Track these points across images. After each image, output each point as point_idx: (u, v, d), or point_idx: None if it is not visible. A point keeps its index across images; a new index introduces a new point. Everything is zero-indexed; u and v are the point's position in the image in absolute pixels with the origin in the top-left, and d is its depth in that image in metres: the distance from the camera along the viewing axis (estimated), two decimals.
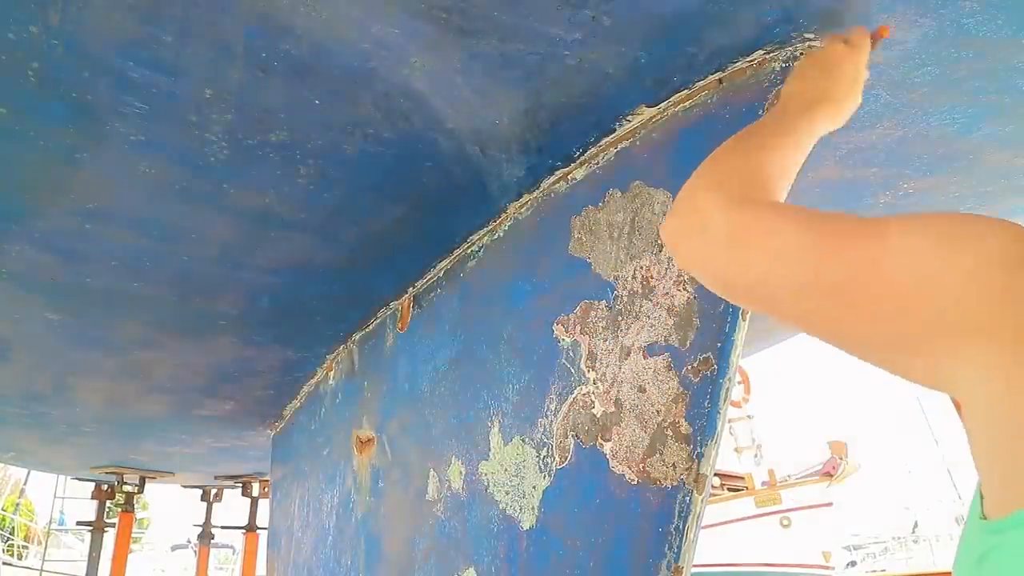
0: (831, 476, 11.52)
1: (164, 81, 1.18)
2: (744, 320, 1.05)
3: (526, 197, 1.56)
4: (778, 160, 0.81)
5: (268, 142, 1.34)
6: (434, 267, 1.93)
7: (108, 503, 6.07)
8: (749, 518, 11.93)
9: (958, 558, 0.46)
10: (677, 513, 1.06)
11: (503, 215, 1.64)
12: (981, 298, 0.46)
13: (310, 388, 3.05)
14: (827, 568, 11.49)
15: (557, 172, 1.46)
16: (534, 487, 1.38)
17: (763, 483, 12.52)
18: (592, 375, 1.28)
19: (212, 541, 7.12)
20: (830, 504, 11.58)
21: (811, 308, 0.59)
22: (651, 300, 1.18)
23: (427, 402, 1.88)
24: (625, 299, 1.23)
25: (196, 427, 3.72)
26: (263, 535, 5.43)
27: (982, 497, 0.46)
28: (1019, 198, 1.64)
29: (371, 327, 2.35)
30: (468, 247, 1.78)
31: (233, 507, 7.33)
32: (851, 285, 0.55)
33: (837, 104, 0.91)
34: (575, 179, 1.43)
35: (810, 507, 11.55)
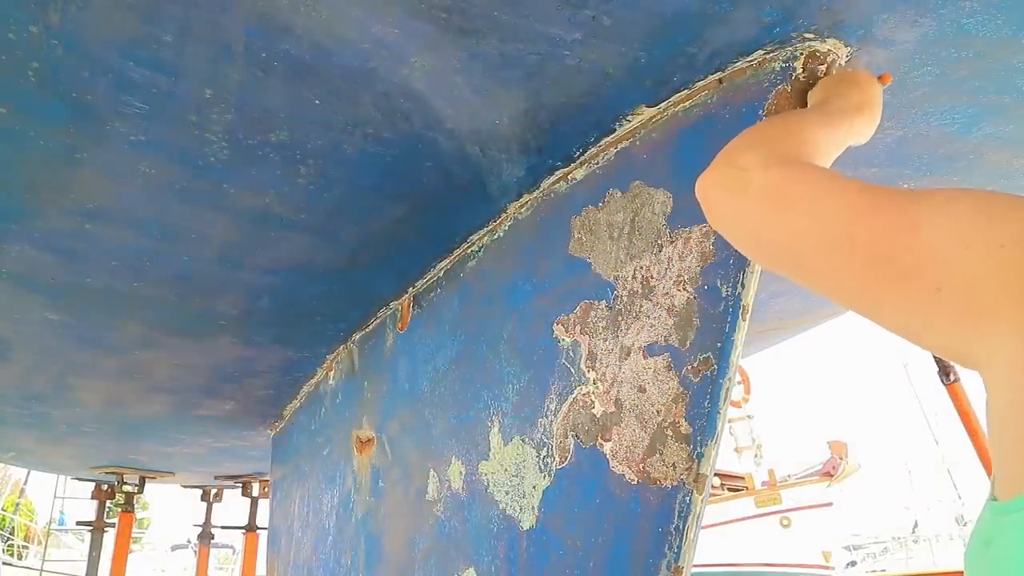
0: (831, 476, 11.52)
1: (164, 81, 1.18)
2: (744, 320, 1.05)
3: (526, 197, 1.56)
4: (818, 141, 0.82)
5: (268, 142, 1.34)
6: (434, 267, 1.93)
7: (108, 503, 6.08)
8: (749, 518, 11.93)
9: (970, 541, 0.46)
10: (677, 513, 1.06)
11: (503, 215, 1.64)
12: (1009, 277, 0.45)
13: (310, 388, 3.05)
14: (827, 568, 11.49)
15: (557, 172, 1.46)
16: (534, 487, 1.38)
17: (763, 483, 12.53)
18: (592, 375, 1.28)
19: (212, 541, 7.13)
20: (830, 504, 11.59)
21: (844, 268, 0.59)
22: (651, 300, 1.18)
23: (427, 402, 1.88)
24: (625, 299, 1.23)
25: (196, 427, 3.72)
26: (263, 535, 5.43)
27: (995, 479, 0.46)
28: None
29: (371, 327, 2.35)
30: (468, 247, 1.78)
31: (233, 507, 7.33)
32: (887, 247, 0.54)
33: (871, 117, 0.94)
34: (575, 179, 1.43)
35: (810, 507, 11.55)
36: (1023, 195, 0.51)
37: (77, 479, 6.64)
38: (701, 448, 1.05)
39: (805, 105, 1.05)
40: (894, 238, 0.54)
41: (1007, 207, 0.49)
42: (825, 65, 1.07)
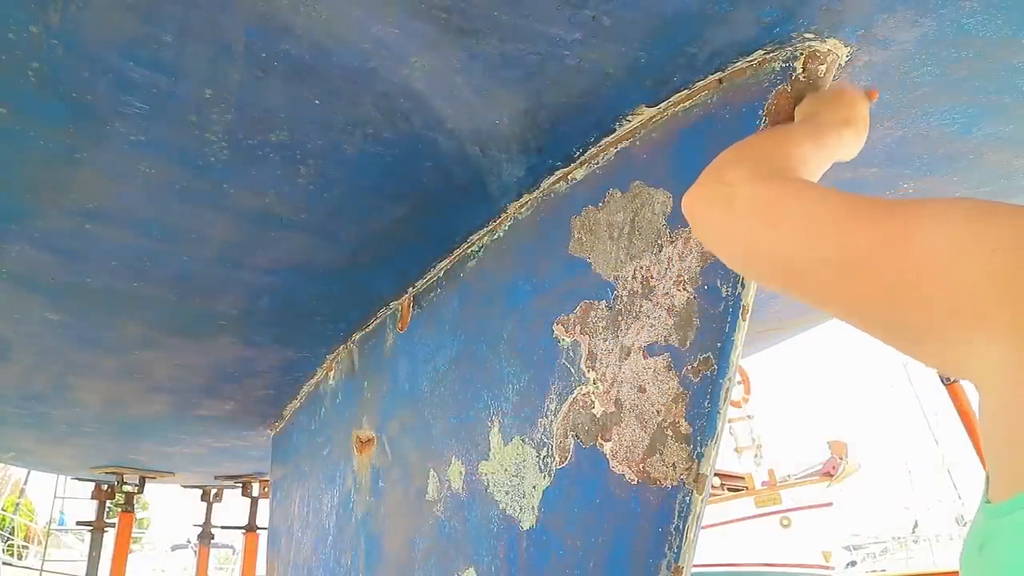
0: (831, 476, 11.52)
1: (164, 81, 1.18)
2: (744, 320, 1.05)
3: (526, 197, 1.56)
4: (805, 156, 0.82)
5: (268, 142, 1.34)
6: (434, 267, 1.93)
7: (108, 503, 6.08)
8: (749, 518, 11.93)
9: (965, 545, 0.47)
10: (677, 513, 1.06)
11: (503, 215, 1.64)
12: (1003, 282, 0.46)
13: (310, 388, 3.05)
14: (827, 568, 11.49)
15: (557, 172, 1.46)
16: (534, 487, 1.38)
17: (763, 483, 12.53)
18: (592, 375, 1.28)
19: (212, 541, 7.12)
20: (830, 504, 11.59)
21: (836, 280, 0.58)
22: (651, 300, 1.18)
23: (427, 402, 1.88)
24: (625, 299, 1.23)
25: (196, 427, 3.72)
26: (263, 535, 5.43)
27: (989, 481, 0.46)
28: (1019, 198, 1.64)
29: (371, 327, 2.35)
30: (468, 247, 1.78)
31: (233, 507, 7.33)
32: (878, 259, 0.54)
33: (858, 133, 0.94)
34: (575, 179, 1.43)
35: (810, 507, 11.55)
36: (1014, 203, 0.51)
37: (77, 479, 6.64)
38: (701, 448, 1.05)
39: (799, 110, 1.05)
40: (887, 248, 0.54)
41: (998, 214, 0.49)
42: (825, 65, 1.07)
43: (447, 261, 1.88)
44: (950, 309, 0.49)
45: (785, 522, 11.63)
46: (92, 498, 6.13)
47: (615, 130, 1.32)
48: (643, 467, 1.13)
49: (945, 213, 0.52)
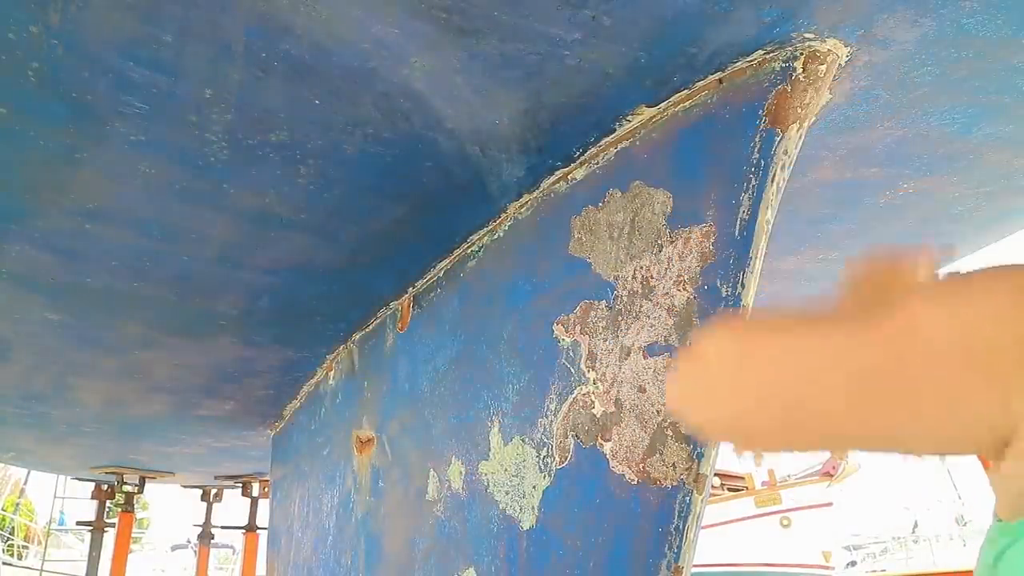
0: (831, 476, 11.52)
1: (164, 81, 1.18)
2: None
3: (526, 197, 1.56)
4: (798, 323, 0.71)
5: (268, 142, 1.34)
6: (434, 267, 1.93)
7: (108, 503, 6.08)
8: (749, 518, 11.93)
9: (979, 557, 0.47)
10: (677, 513, 1.06)
11: (503, 215, 1.64)
12: (1004, 346, 0.45)
13: (310, 388, 3.05)
14: (827, 568, 11.49)
15: (557, 172, 1.46)
16: (534, 487, 1.38)
17: (763, 483, 12.52)
18: (592, 375, 1.28)
19: (212, 541, 7.13)
20: (830, 504, 11.58)
21: (859, 405, 0.53)
22: (651, 300, 1.18)
23: (427, 402, 1.88)
24: (625, 299, 1.23)
25: (196, 427, 3.72)
26: (263, 535, 5.43)
27: (999, 500, 0.46)
28: (1019, 198, 1.64)
29: (371, 327, 2.35)
30: (468, 247, 1.78)
31: (233, 507, 7.33)
32: (897, 362, 0.50)
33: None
34: (575, 179, 1.43)
35: (810, 507, 11.55)
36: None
37: (77, 479, 6.65)
38: (701, 448, 1.05)
39: (802, 104, 1.05)
40: (901, 350, 0.50)
41: (985, 279, 0.48)
42: (825, 65, 1.07)
43: (447, 261, 1.88)
44: (983, 378, 0.46)
45: (785, 522, 11.62)
46: (92, 498, 6.13)
47: (615, 130, 1.32)
48: (643, 467, 1.13)
49: (939, 296, 0.50)
